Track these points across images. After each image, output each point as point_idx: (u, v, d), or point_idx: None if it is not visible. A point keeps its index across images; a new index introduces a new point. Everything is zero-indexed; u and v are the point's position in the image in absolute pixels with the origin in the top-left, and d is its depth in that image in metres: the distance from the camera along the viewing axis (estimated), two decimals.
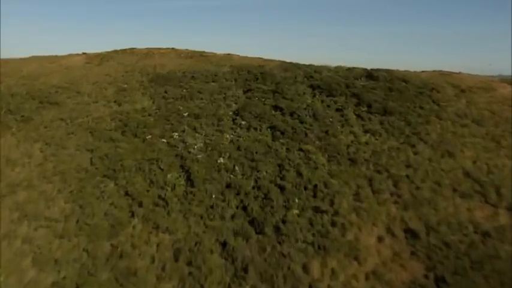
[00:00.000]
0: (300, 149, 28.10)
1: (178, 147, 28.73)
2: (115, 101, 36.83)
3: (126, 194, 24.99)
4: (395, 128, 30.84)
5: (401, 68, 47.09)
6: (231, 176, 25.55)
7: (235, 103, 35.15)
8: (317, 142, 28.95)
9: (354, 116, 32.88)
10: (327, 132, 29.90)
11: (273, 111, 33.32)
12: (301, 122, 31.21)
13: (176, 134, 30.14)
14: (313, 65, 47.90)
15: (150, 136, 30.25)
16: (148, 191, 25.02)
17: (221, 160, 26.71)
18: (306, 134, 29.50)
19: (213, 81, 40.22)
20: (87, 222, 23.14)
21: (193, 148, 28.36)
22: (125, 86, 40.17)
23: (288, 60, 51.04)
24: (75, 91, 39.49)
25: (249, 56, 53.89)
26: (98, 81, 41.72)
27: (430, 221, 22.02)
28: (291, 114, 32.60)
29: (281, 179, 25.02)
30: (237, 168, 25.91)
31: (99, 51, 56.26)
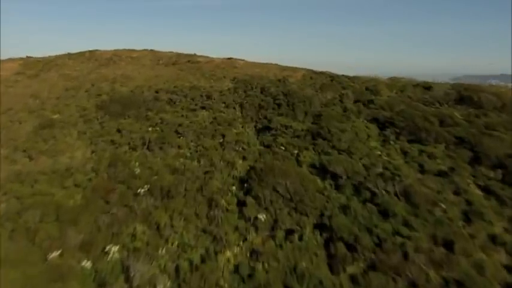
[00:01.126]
0: None
1: None
2: (24, 151, 20.42)
3: None
4: None
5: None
6: None
7: (243, 158, 18.70)
8: (433, 273, 12.53)
9: (479, 192, 16.45)
10: (448, 245, 13.43)
11: (320, 181, 16.87)
12: (384, 214, 14.77)
13: (115, 247, 13.75)
14: (360, 77, 31.42)
15: (57, 252, 13.86)
16: None
17: None
18: (407, 255, 13.04)
19: (203, 108, 23.84)
20: None
21: None
22: (54, 117, 23.77)
23: (295, 62, 34.81)
24: None
25: (258, 61, 37.46)
26: (13, 107, 25.26)
27: None
28: (357, 189, 16.16)
29: None
30: None
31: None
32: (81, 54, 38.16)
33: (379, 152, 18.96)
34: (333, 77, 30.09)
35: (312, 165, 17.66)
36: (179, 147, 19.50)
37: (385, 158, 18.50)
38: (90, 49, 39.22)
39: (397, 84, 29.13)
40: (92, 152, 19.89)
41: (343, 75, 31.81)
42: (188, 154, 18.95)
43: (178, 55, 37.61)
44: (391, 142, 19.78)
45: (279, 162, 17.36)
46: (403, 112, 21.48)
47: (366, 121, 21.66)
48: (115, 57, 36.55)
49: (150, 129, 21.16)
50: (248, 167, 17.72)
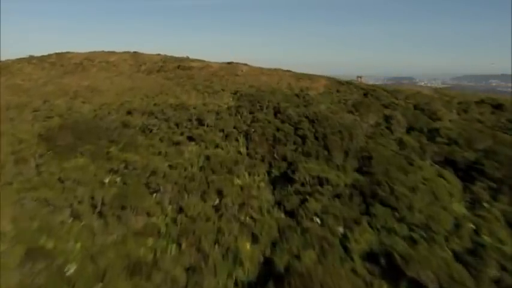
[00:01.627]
0: None
1: None
2: None
3: None
4: None
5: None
6: None
7: (253, 238, 11.35)
8: None
9: None
10: None
11: None
12: None
13: None
14: (401, 89, 24.10)
15: None
16: None
17: None
18: None
19: (191, 140, 16.53)
20: None
21: None
22: None
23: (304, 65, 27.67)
24: None
25: (257, 61, 30.22)
26: None
27: None
28: None
29: None
30: None
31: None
32: (44, 58, 30.82)
33: (473, 226, 11.64)
34: (366, 90, 22.77)
35: (371, 257, 10.35)
36: (149, 214, 12.17)
37: (486, 237, 11.19)
38: (58, 51, 31.92)
39: (453, 101, 21.90)
40: (12, 219, 12.56)
41: (378, 86, 24.60)
42: (163, 229, 11.62)
43: (166, 59, 30.28)
44: (485, 204, 12.47)
45: (316, 253, 10.07)
46: (493, 152, 14.15)
47: (434, 164, 14.34)
48: (86, 61, 29.20)
49: (107, 179, 13.80)
50: (262, 259, 10.43)
